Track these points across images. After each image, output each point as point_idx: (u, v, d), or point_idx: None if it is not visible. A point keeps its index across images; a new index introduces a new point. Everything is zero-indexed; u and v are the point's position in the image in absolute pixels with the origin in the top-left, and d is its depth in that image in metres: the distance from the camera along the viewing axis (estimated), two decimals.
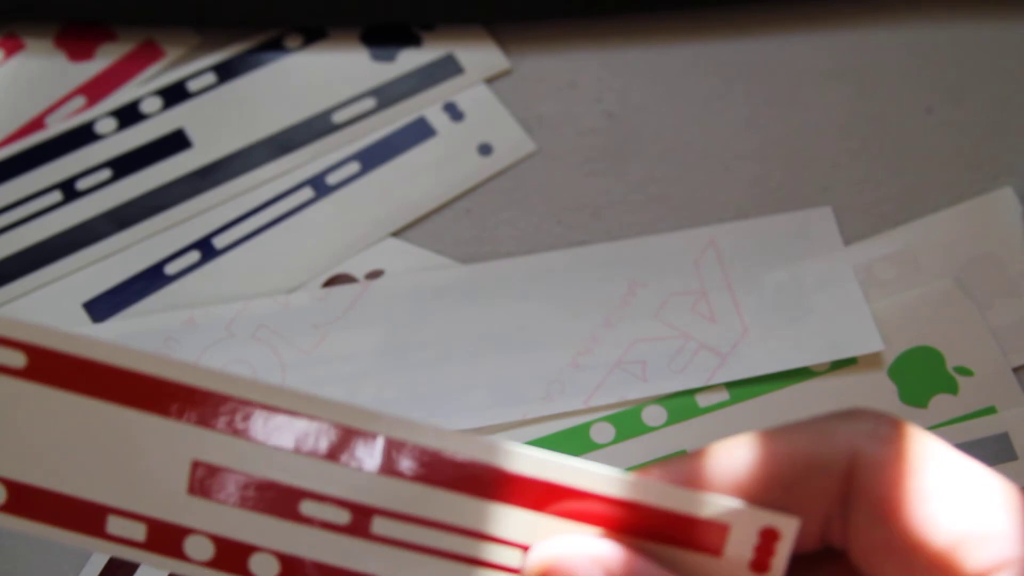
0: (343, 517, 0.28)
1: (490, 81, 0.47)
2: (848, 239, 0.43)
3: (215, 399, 0.29)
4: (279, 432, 0.28)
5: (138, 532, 0.29)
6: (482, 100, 0.46)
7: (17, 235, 0.43)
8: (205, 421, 0.29)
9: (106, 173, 0.45)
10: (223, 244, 0.43)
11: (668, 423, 0.40)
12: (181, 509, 0.29)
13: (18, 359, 0.28)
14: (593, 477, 0.28)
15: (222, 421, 0.29)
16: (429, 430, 0.28)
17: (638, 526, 0.28)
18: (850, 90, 0.46)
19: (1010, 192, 0.44)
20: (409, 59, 0.47)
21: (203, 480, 0.29)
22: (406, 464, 0.28)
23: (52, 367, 0.28)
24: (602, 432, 0.40)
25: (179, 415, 0.29)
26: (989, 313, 0.41)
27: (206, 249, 0.43)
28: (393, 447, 0.28)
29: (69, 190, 0.44)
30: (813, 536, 0.27)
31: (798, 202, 0.44)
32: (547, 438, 0.40)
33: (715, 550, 0.28)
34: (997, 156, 0.45)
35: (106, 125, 0.46)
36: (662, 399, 0.40)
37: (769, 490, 0.27)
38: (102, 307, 0.42)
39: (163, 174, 0.45)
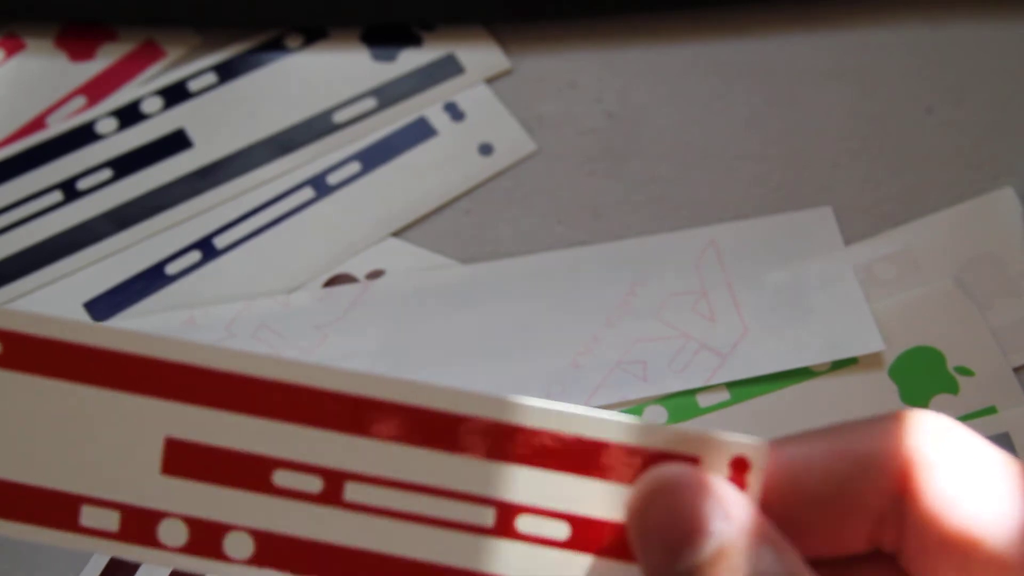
0: (315, 485, 0.28)
1: (491, 81, 0.47)
2: (848, 239, 0.43)
3: (185, 371, 0.28)
4: (252, 400, 0.28)
5: (112, 521, 0.28)
6: (483, 100, 0.46)
7: (18, 235, 0.43)
8: (177, 395, 0.28)
9: (107, 173, 0.45)
10: (224, 244, 0.43)
11: (669, 423, 0.40)
12: (155, 491, 0.28)
13: None
14: (551, 417, 0.27)
15: (194, 393, 0.28)
16: (403, 385, 0.27)
17: (614, 468, 0.27)
18: (850, 90, 0.46)
19: (1010, 192, 0.44)
20: (410, 59, 0.47)
21: (176, 457, 0.28)
22: (380, 424, 0.28)
23: (28, 352, 0.28)
24: None
25: (150, 391, 0.28)
26: (989, 313, 0.41)
27: (207, 249, 0.43)
28: (365, 406, 0.28)
29: (70, 190, 0.44)
30: (862, 537, 0.27)
31: (798, 202, 0.44)
32: None
33: None
34: (997, 156, 0.45)
35: (107, 125, 0.46)
36: (663, 399, 0.40)
37: (824, 485, 0.27)
38: (103, 307, 0.42)
39: (164, 174, 0.45)
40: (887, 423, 0.27)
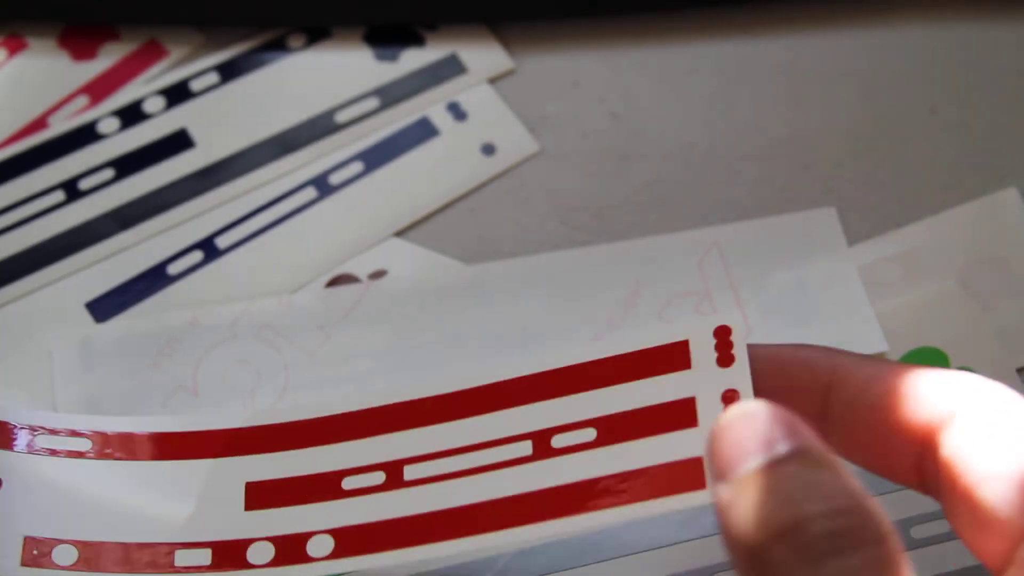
0: (379, 478, 0.33)
1: (493, 81, 0.47)
2: (852, 240, 0.43)
3: (250, 433, 0.34)
4: (312, 435, 0.34)
5: (204, 557, 0.33)
6: (485, 100, 0.46)
7: (19, 235, 0.43)
8: (249, 450, 0.34)
9: (109, 173, 0.45)
10: (226, 244, 0.43)
11: None
12: (241, 524, 0.33)
13: (85, 444, 0.34)
14: (571, 355, 0.32)
15: (263, 444, 0.34)
16: (438, 384, 0.33)
17: (621, 374, 0.32)
18: (854, 91, 0.46)
19: (1014, 193, 0.43)
20: (412, 59, 0.47)
21: (257, 495, 0.34)
22: (426, 415, 0.33)
23: (112, 445, 0.34)
24: None
25: (225, 452, 0.34)
26: (993, 314, 0.41)
27: (209, 249, 0.43)
28: (412, 407, 0.33)
29: (72, 190, 0.44)
30: (909, 466, 0.29)
31: (802, 203, 0.44)
32: None
33: (687, 364, 0.31)
34: (1001, 157, 0.45)
35: (109, 125, 0.45)
36: None
37: (874, 407, 0.29)
38: (105, 307, 0.42)
39: (166, 174, 0.45)
40: (931, 373, 0.29)
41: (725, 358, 0.31)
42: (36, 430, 0.34)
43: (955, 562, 0.37)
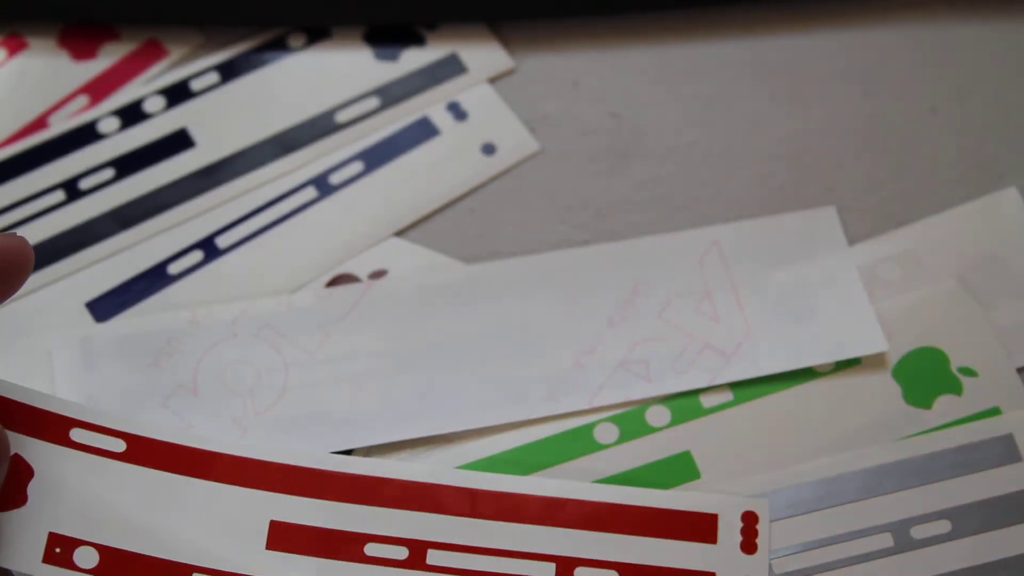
0: (402, 553, 0.34)
1: (493, 81, 0.47)
2: (852, 239, 0.43)
3: (287, 470, 0.35)
4: (344, 490, 0.35)
5: None
6: (486, 100, 0.46)
7: (20, 234, 0.43)
8: (280, 488, 0.35)
9: (109, 172, 0.45)
10: (226, 244, 0.43)
11: (672, 424, 0.40)
12: (260, 562, 0.34)
13: (119, 445, 0.34)
14: (601, 492, 0.34)
15: (295, 487, 0.35)
16: (473, 477, 0.35)
17: (648, 526, 0.34)
18: (854, 90, 0.46)
19: (1015, 192, 0.44)
20: (412, 59, 0.47)
21: (281, 536, 0.34)
22: (455, 504, 0.35)
23: (146, 451, 0.35)
24: (606, 433, 0.40)
25: (257, 484, 0.35)
26: (993, 313, 0.41)
27: (209, 249, 0.43)
28: (443, 492, 0.35)
29: (72, 189, 0.44)
30: None
31: (802, 202, 0.44)
32: (551, 439, 0.40)
33: (712, 538, 0.34)
34: (1001, 156, 0.45)
35: (109, 124, 0.45)
36: (666, 399, 0.40)
37: None
38: (105, 307, 0.42)
39: (166, 174, 0.45)
40: None
41: (749, 545, 0.34)
42: (74, 423, 0.34)
43: (955, 562, 0.37)
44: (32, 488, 0.33)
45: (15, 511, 0.33)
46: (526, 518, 0.35)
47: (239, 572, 0.34)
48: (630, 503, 0.35)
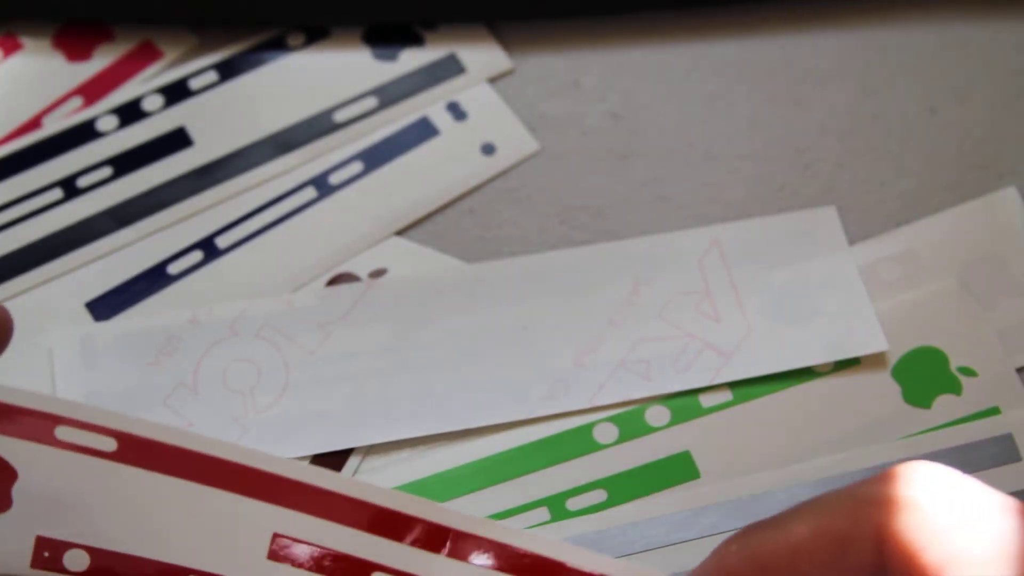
0: None
1: (493, 81, 0.47)
2: (852, 239, 0.43)
3: (295, 486, 0.33)
4: (353, 515, 0.33)
5: None
6: (485, 99, 0.46)
7: (18, 232, 0.43)
8: (285, 502, 0.33)
9: (107, 171, 0.44)
10: (226, 244, 0.43)
11: (671, 423, 0.40)
12: (260, 573, 0.33)
13: (109, 444, 0.32)
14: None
15: (300, 503, 0.33)
16: (494, 527, 0.33)
17: None
18: (854, 90, 0.46)
19: (1014, 192, 0.44)
20: (411, 58, 0.47)
21: (282, 549, 0.33)
22: (471, 552, 0.33)
23: (140, 451, 0.33)
24: (605, 433, 0.40)
25: (261, 496, 0.33)
26: (993, 313, 0.42)
27: (209, 249, 0.43)
28: (459, 537, 0.33)
29: (70, 187, 0.44)
30: None
31: (802, 202, 0.44)
32: (550, 439, 0.40)
33: None
34: (1001, 156, 0.45)
35: (107, 122, 0.45)
36: (665, 399, 0.40)
37: (810, 568, 0.28)
38: (105, 307, 0.42)
39: (164, 172, 0.44)
40: (859, 497, 0.28)
41: None
42: (59, 421, 0.32)
43: None
44: (17, 491, 0.32)
45: None
46: (527, 572, 0.33)
47: None
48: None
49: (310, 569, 0.33)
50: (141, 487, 0.33)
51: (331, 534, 0.33)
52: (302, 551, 0.33)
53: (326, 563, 0.33)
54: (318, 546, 0.33)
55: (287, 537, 0.33)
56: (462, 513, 0.33)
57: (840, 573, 0.28)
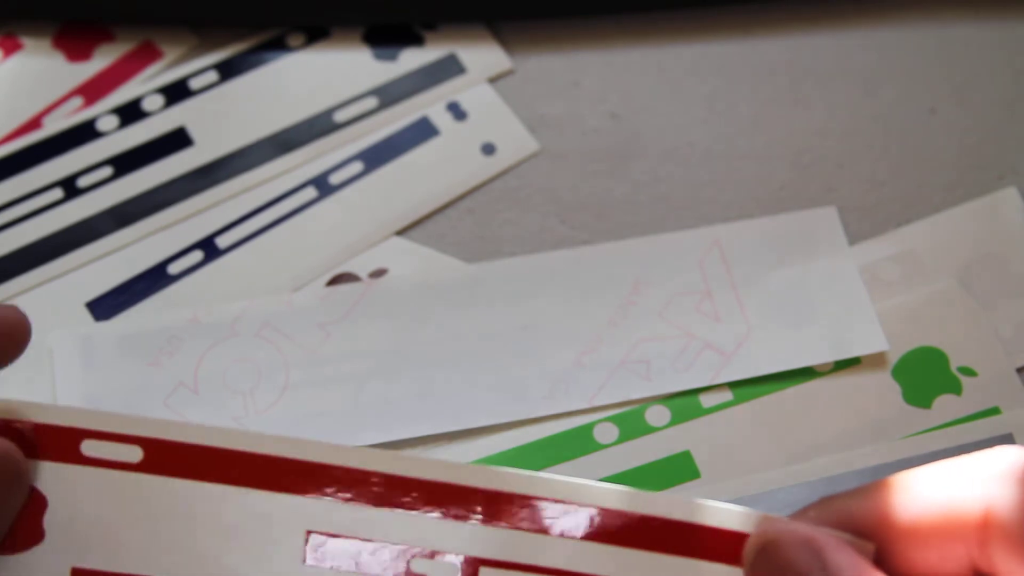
0: (453, 572, 0.31)
1: (493, 81, 0.47)
2: (853, 239, 0.43)
3: (325, 470, 0.31)
4: (390, 495, 0.30)
5: None
6: (485, 100, 0.46)
7: (18, 232, 0.43)
8: (317, 490, 0.31)
9: (107, 171, 0.44)
10: (226, 244, 0.43)
11: (672, 423, 0.40)
12: None
13: (135, 454, 0.31)
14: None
15: (332, 489, 0.31)
16: (522, 478, 0.30)
17: (696, 546, 0.30)
18: (854, 90, 0.46)
19: (1014, 192, 0.44)
20: (411, 58, 0.47)
21: (319, 549, 0.31)
22: (507, 513, 0.31)
23: (166, 457, 0.31)
24: (606, 432, 0.40)
25: (291, 489, 0.31)
26: (993, 313, 0.41)
27: (209, 249, 0.43)
28: (492, 498, 0.30)
29: (70, 187, 0.44)
30: (964, 572, 0.28)
31: (802, 202, 0.44)
32: (550, 438, 0.40)
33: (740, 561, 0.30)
34: (1001, 156, 0.45)
35: (108, 122, 0.45)
36: (666, 399, 0.40)
37: (912, 535, 0.28)
38: (105, 307, 0.42)
39: (164, 172, 0.44)
40: (967, 467, 0.29)
41: None
42: (85, 434, 0.31)
43: None
44: (48, 521, 0.31)
45: (33, 549, 0.31)
46: (567, 534, 0.30)
47: None
48: (685, 520, 0.30)
49: (348, 569, 0.31)
50: (172, 499, 0.31)
51: (368, 522, 0.31)
52: (340, 548, 0.31)
53: (365, 559, 0.31)
54: (354, 538, 0.31)
55: (323, 533, 0.31)
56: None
57: (941, 543, 0.28)
